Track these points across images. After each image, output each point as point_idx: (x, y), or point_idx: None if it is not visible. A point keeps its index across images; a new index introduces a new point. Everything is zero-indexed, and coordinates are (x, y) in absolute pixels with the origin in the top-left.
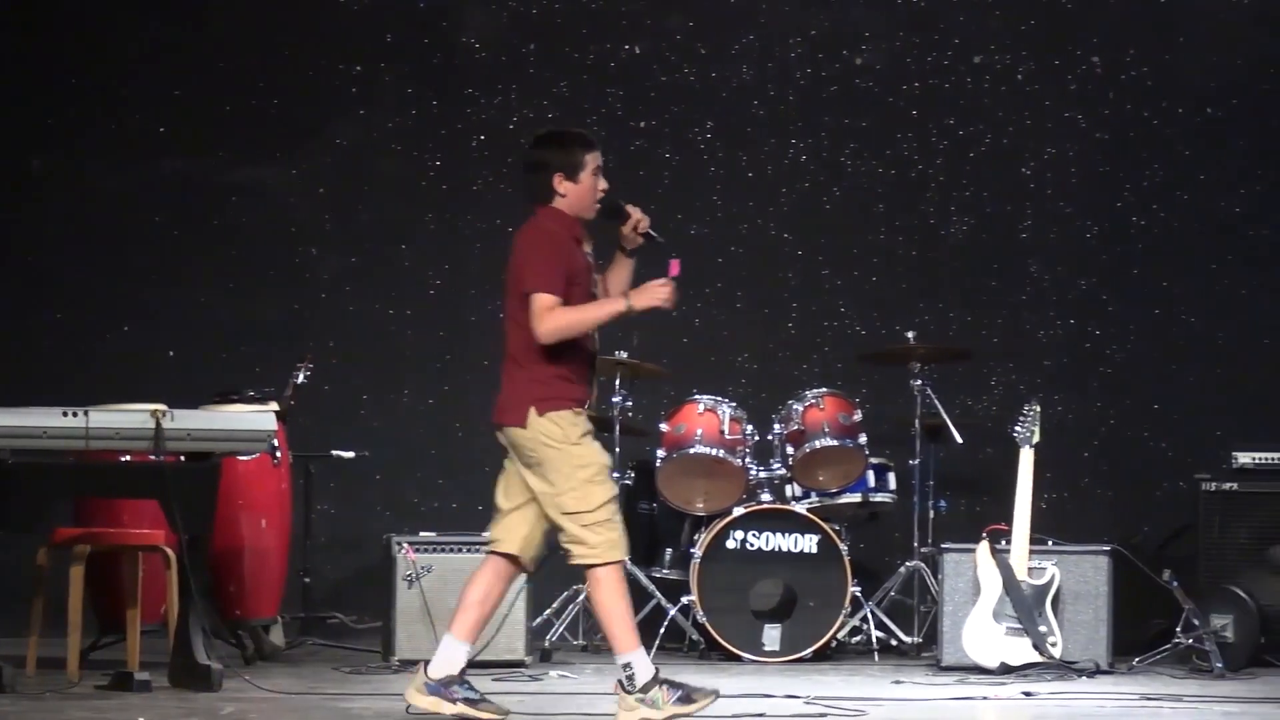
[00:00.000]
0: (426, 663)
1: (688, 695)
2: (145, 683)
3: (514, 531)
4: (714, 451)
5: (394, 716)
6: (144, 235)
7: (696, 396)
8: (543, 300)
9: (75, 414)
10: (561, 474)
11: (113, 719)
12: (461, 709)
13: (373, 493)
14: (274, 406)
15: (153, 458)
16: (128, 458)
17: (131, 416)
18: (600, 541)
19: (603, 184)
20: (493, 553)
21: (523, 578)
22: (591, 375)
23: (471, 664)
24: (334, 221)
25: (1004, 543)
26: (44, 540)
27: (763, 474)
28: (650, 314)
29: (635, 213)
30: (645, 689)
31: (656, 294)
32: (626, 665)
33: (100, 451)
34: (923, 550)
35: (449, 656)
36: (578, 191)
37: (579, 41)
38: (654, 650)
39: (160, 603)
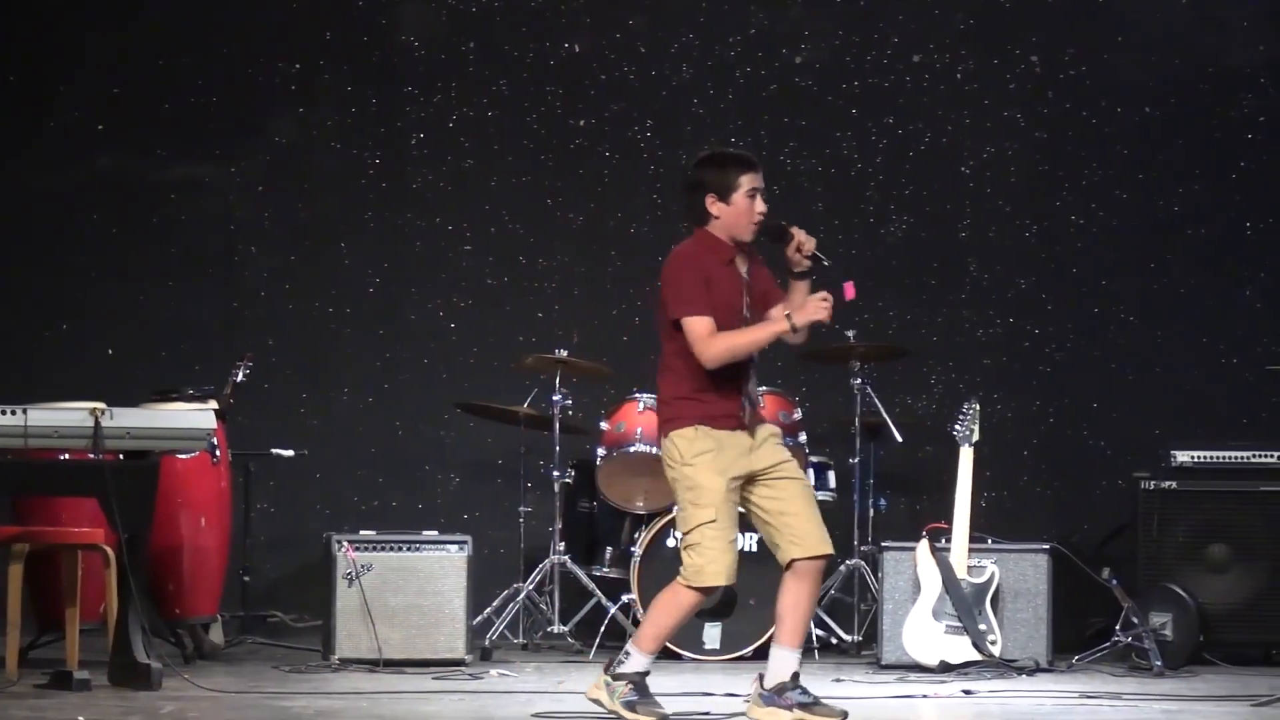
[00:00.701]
0: (761, 676)
1: (633, 704)
2: (85, 681)
3: (776, 540)
4: (654, 450)
5: (333, 715)
6: (82, 233)
7: (637, 395)
8: (695, 325)
9: (13, 412)
10: (677, 493)
11: (52, 718)
12: (798, 714)
13: (312, 491)
14: (213, 405)
15: (91, 456)
16: (66, 456)
17: (70, 415)
18: (688, 564)
19: (760, 206)
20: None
21: (465, 574)
22: (737, 389)
23: (410, 663)
24: (273, 219)
25: (944, 541)
26: None
27: None
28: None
29: (799, 235)
30: (617, 677)
31: (818, 310)
32: (627, 653)
33: (39, 450)
34: (863, 549)
35: (777, 665)
36: (731, 213)
37: (518, 40)
38: (595, 649)
39: (99, 601)
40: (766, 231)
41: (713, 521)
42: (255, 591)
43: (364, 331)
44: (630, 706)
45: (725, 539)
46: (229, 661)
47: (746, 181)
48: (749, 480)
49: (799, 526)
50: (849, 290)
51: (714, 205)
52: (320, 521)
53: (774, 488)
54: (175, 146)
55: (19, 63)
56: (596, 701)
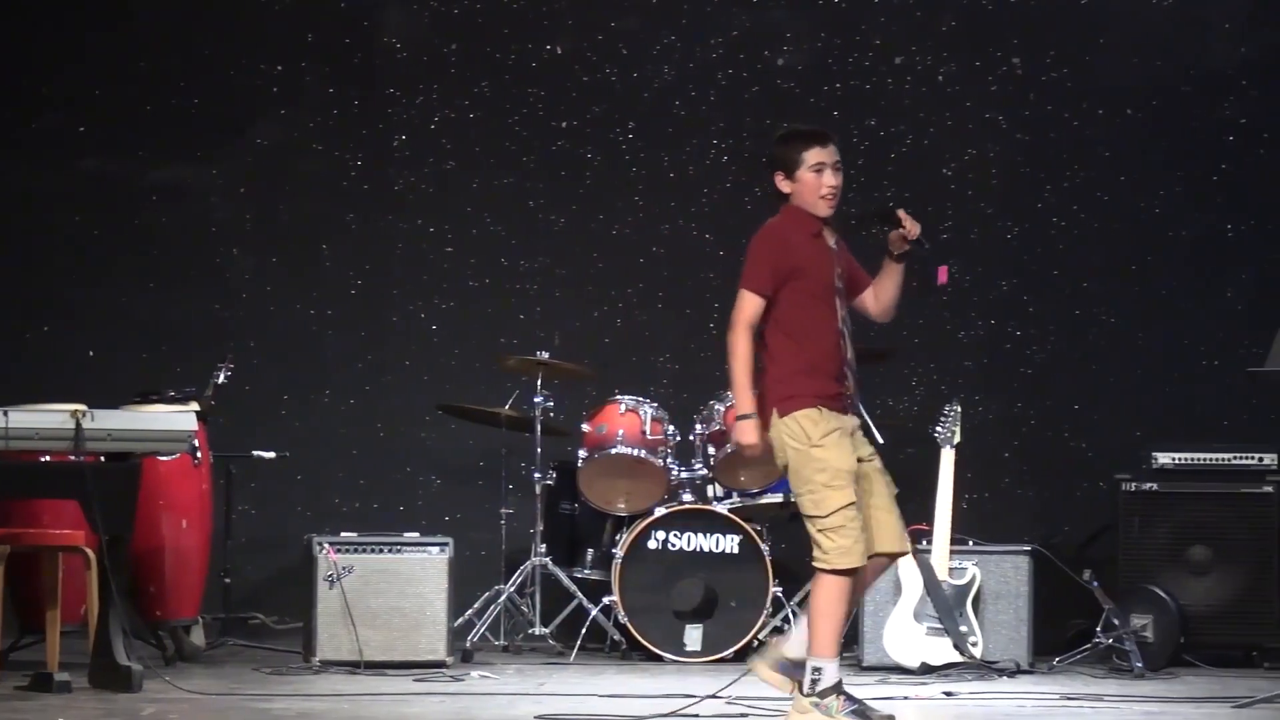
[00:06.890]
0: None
1: (863, 712)
2: (65, 683)
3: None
4: (635, 452)
5: (314, 717)
6: (64, 235)
7: (618, 397)
8: (744, 301)
9: None
10: (801, 476)
11: None
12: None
13: (293, 493)
14: (194, 407)
15: (72, 458)
16: (47, 458)
17: (51, 416)
18: (831, 548)
19: (831, 180)
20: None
21: (446, 576)
22: (844, 368)
23: (391, 664)
24: (254, 221)
25: (925, 543)
26: None
27: (684, 474)
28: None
29: (907, 219)
30: (824, 694)
31: (743, 443)
32: (818, 669)
33: (19, 451)
34: None
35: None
36: (799, 189)
37: (500, 41)
38: (575, 651)
39: (80, 603)
40: (873, 214)
41: (852, 503)
42: (236, 593)
43: (346, 333)
44: (863, 714)
45: (859, 520)
46: (210, 664)
47: (811, 157)
48: None
49: (885, 521)
50: (942, 274)
51: (783, 183)
52: (301, 523)
53: (865, 479)
54: (157, 148)
55: (1, 64)
56: None
